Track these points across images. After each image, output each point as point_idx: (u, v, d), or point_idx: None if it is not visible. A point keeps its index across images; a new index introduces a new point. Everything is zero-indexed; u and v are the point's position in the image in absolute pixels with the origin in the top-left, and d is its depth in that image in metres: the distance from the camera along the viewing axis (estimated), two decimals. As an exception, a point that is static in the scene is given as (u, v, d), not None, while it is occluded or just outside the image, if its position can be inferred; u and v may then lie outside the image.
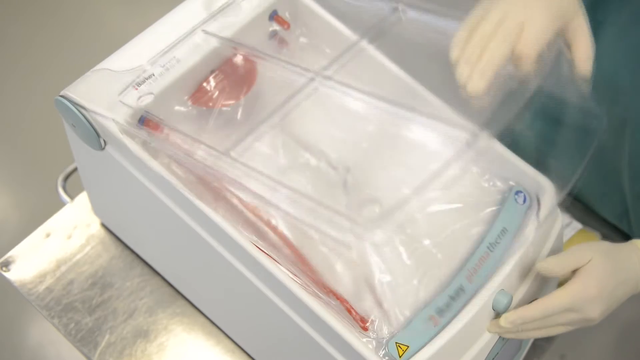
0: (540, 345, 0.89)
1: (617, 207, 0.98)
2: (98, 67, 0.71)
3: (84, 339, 0.86)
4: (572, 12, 0.65)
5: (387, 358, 0.61)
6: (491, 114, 0.63)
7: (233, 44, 0.74)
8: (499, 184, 0.73)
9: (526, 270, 0.70)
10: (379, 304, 0.65)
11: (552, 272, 0.66)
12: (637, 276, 0.66)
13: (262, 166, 0.71)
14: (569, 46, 0.66)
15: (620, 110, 0.84)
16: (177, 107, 0.72)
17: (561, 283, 0.66)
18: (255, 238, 0.66)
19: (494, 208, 0.71)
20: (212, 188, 0.68)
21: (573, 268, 0.66)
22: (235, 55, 0.75)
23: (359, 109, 0.77)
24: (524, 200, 0.71)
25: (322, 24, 0.78)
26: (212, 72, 0.74)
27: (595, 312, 0.64)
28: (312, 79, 0.70)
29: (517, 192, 0.71)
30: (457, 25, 0.65)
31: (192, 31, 0.74)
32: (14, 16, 2.10)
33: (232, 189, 0.68)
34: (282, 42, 0.78)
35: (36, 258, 0.91)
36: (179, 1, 0.76)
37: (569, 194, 0.66)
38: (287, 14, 0.79)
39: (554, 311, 0.63)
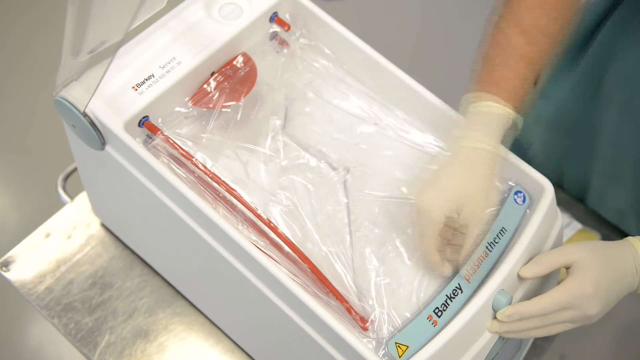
0: (540, 345, 0.89)
1: (619, 208, 0.98)
2: (97, 67, 0.71)
3: (84, 339, 0.86)
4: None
5: (387, 358, 0.61)
6: None
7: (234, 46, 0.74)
8: (498, 184, 0.73)
9: (526, 270, 0.70)
10: (379, 304, 0.65)
11: (529, 277, 0.67)
12: (632, 273, 0.66)
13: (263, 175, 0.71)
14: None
15: (633, 111, 0.84)
16: (177, 108, 0.72)
17: (560, 282, 0.66)
18: (255, 238, 0.66)
19: (493, 208, 0.71)
20: (212, 188, 0.68)
21: (552, 269, 0.67)
22: (235, 57, 0.75)
23: (358, 111, 0.77)
24: (524, 200, 0.71)
25: (321, 25, 0.78)
26: (212, 73, 0.74)
27: (593, 309, 0.64)
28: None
29: (517, 192, 0.71)
30: None
31: (193, 32, 0.74)
32: (14, 16, 2.10)
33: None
34: (283, 42, 0.78)
35: (36, 258, 0.92)
36: (179, 2, 0.76)
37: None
38: (287, 16, 0.79)
39: (550, 308, 0.64)
